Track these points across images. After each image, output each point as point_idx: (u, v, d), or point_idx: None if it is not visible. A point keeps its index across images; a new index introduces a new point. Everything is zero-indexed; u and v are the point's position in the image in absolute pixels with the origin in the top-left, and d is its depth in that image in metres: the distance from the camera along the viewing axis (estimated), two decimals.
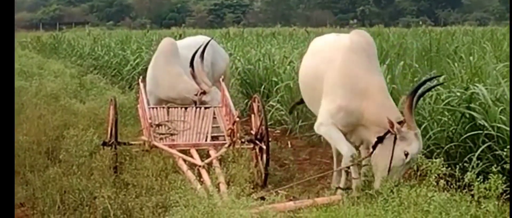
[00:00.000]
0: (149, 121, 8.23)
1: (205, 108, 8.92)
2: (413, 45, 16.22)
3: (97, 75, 17.62)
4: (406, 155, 6.46)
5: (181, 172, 7.25)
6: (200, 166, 7.40)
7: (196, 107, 8.92)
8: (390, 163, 6.52)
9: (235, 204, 5.52)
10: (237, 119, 8.08)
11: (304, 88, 7.98)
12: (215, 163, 7.51)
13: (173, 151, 7.86)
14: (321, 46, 7.96)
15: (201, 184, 6.75)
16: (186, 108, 8.87)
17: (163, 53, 9.90)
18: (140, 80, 9.50)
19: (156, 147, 8.03)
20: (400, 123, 6.53)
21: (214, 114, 8.85)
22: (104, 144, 8.18)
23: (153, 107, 8.84)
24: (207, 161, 7.57)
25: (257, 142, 8.18)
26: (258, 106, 8.40)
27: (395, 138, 6.51)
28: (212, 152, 7.93)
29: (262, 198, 6.21)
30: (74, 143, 7.96)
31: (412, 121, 6.52)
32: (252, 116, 8.59)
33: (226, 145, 7.94)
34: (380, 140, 6.66)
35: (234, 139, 7.95)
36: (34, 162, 8.17)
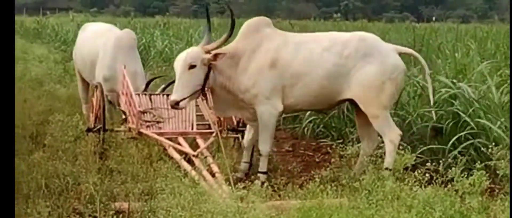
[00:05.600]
0: (138, 108, 8.18)
1: None
2: (397, 41, 16.25)
3: None
4: None
5: (173, 161, 7.24)
6: (194, 155, 7.40)
7: None
8: None
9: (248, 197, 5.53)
10: None
11: None
12: (206, 152, 7.51)
13: (162, 139, 7.83)
14: None
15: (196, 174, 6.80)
16: (168, 95, 8.80)
17: None
18: (123, 67, 9.46)
19: (143, 134, 8.00)
20: None
21: (196, 102, 8.80)
22: (89, 130, 8.16)
23: (136, 94, 8.75)
24: (199, 150, 7.55)
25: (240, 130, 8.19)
26: None
27: None
28: (199, 141, 7.92)
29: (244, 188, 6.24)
30: (59, 128, 7.95)
31: None
32: None
33: (214, 134, 7.92)
34: None
35: (221, 128, 7.94)
36: (19, 146, 8.13)
